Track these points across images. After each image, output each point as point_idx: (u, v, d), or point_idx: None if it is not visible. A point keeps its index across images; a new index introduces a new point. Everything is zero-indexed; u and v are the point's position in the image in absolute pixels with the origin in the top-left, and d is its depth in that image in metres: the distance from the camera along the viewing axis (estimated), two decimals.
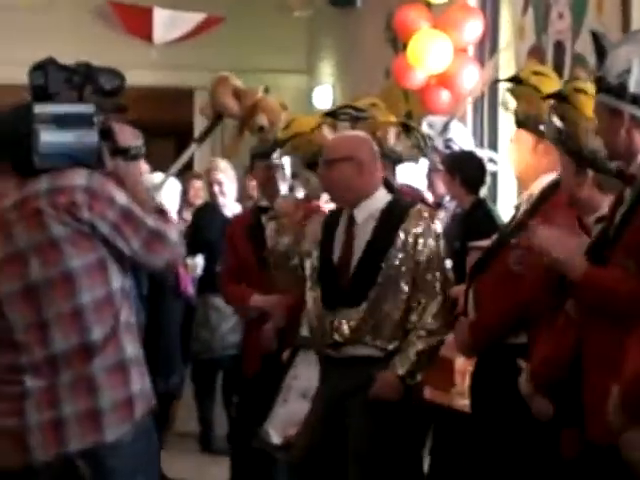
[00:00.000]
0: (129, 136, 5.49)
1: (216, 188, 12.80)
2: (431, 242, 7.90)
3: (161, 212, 5.52)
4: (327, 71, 18.54)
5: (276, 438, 8.93)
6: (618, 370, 5.25)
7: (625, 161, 5.80)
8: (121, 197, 5.23)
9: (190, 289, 12.87)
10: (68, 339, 5.16)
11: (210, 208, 13.15)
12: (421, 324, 7.87)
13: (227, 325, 12.59)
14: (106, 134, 5.32)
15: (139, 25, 15.99)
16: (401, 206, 8.07)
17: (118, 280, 5.31)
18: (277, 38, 18.13)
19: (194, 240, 12.48)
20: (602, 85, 5.79)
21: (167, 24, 16.10)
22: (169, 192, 12.23)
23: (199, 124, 17.17)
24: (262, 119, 9.90)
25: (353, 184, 8.00)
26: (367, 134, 8.36)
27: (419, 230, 7.88)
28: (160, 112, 15.65)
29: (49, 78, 5.31)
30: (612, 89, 5.78)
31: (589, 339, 5.81)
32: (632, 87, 5.73)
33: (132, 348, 5.32)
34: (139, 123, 15.37)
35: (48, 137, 5.19)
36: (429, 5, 13.72)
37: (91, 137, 5.26)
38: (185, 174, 13.94)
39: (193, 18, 16.47)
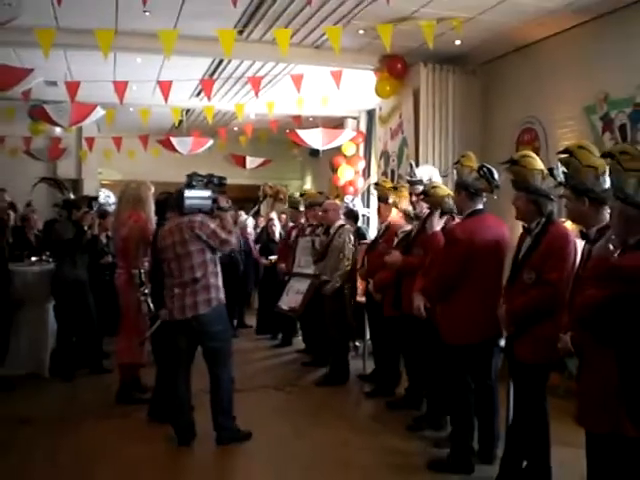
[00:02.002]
0: (224, 202, 5.50)
1: (270, 222, 11.19)
2: (343, 238, 7.53)
3: (230, 232, 5.35)
4: (308, 179, 17.76)
5: (285, 307, 8.61)
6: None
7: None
8: (212, 224, 5.30)
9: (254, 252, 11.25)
10: (189, 275, 5.27)
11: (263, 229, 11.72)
12: (339, 267, 7.48)
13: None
14: (215, 200, 5.44)
15: (240, 162, 15.35)
16: (340, 226, 7.68)
17: (209, 255, 5.31)
18: (290, 167, 16.78)
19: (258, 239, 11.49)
20: (417, 182, 6.09)
21: (251, 162, 15.43)
22: (249, 222, 11.06)
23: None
24: (280, 195, 9.85)
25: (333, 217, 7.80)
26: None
27: (341, 235, 7.58)
28: (248, 193, 15.46)
29: (193, 179, 5.43)
30: (422, 183, 6.05)
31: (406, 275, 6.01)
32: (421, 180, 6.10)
33: (214, 280, 5.34)
34: (241, 198, 14.82)
35: (189, 202, 5.34)
36: (345, 155, 12.88)
37: (208, 203, 5.40)
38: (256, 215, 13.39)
39: (260, 160, 15.03)
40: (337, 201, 8.67)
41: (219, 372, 5.43)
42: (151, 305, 6.01)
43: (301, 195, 9.74)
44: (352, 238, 7.69)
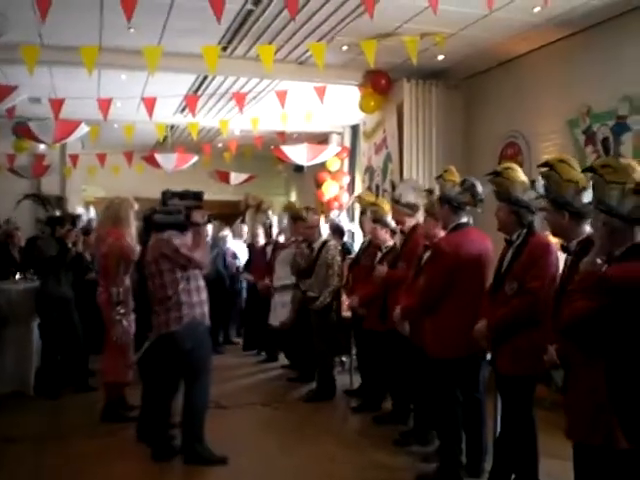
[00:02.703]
0: (198, 217, 5.30)
1: (255, 238, 10.68)
2: (332, 254, 7.51)
3: (195, 248, 5.25)
4: (293, 195, 17.66)
5: (276, 323, 8.70)
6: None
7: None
8: (176, 242, 5.19)
9: (233, 265, 11.06)
10: (162, 293, 5.21)
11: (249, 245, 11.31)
12: (329, 283, 7.46)
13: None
14: (188, 216, 5.27)
15: (224, 178, 15.19)
16: (326, 241, 7.68)
17: (179, 273, 5.21)
18: (275, 183, 16.55)
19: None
20: (397, 202, 6.11)
21: (235, 178, 15.17)
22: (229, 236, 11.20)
23: (248, 214, 16.09)
24: (263, 206, 9.74)
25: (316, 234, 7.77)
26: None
27: (329, 251, 7.53)
28: (233, 209, 15.33)
29: (166, 196, 5.36)
30: (401, 203, 6.08)
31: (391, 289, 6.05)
32: (404, 201, 6.05)
33: (186, 298, 5.23)
34: (224, 214, 14.77)
35: (159, 219, 5.35)
36: (330, 171, 12.85)
37: (179, 218, 5.26)
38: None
39: (245, 176, 14.71)
40: (322, 217, 8.66)
41: (192, 391, 5.35)
42: (125, 324, 6.06)
43: (285, 209, 9.73)
44: (338, 253, 7.67)
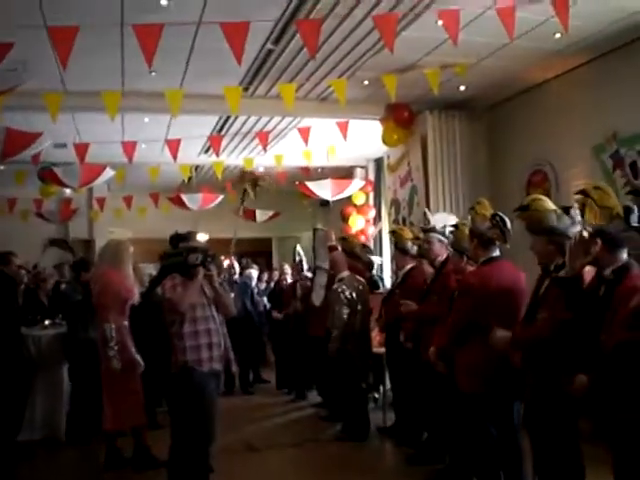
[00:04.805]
0: (192, 259, 4.94)
1: (282, 276, 10.84)
2: (338, 293, 7.30)
3: (174, 291, 4.91)
4: (319, 227, 17.50)
5: (316, 302, 8.27)
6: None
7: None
8: (166, 285, 4.93)
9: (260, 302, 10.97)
10: (190, 328, 4.91)
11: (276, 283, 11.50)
12: (334, 326, 7.22)
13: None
14: (186, 258, 4.95)
15: (250, 215, 15.28)
16: (342, 279, 7.42)
17: (172, 317, 4.92)
18: (301, 217, 16.28)
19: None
20: (432, 230, 6.04)
21: (260, 215, 15.35)
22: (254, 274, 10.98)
23: (275, 251, 16.43)
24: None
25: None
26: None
27: (337, 290, 7.30)
28: (259, 247, 15.30)
29: (173, 238, 5.41)
30: (437, 231, 6.03)
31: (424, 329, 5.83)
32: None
33: (178, 342, 4.91)
34: (250, 252, 14.60)
35: (163, 263, 5.14)
36: (355, 205, 12.92)
37: (178, 260, 4.97)
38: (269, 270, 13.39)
39: (270, 213, 15.03)
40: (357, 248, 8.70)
41: (173, 438, 5.06)
42: (118, 363, 5.93)
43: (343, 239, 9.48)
44: (345, 298, 7.30)
